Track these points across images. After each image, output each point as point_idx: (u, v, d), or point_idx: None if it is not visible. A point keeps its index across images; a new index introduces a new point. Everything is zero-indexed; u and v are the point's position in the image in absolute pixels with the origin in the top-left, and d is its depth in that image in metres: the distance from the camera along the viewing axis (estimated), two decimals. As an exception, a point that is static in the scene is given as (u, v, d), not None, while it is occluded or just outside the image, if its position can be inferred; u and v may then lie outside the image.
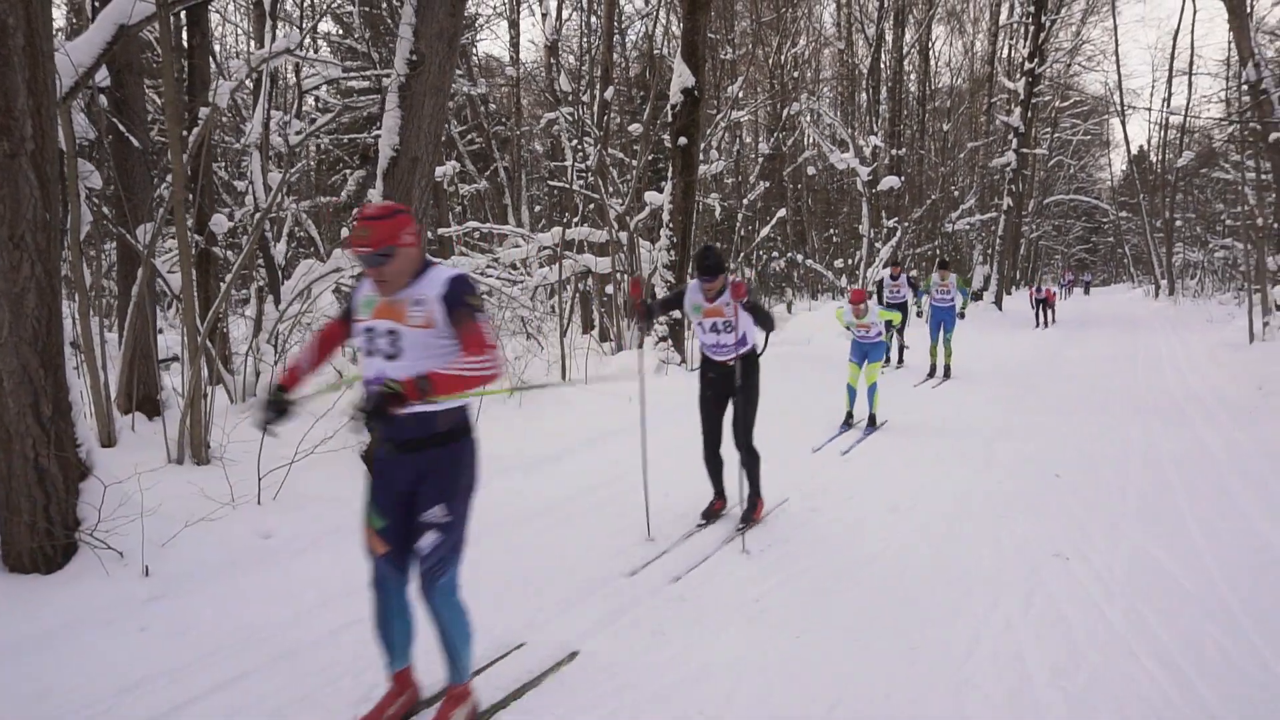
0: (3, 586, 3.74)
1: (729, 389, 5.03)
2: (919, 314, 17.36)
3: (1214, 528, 5.01)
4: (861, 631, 3.68)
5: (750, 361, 5.05)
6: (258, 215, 6.89)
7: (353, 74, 12.11)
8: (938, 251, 27.18)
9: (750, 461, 5.08)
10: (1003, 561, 4.51)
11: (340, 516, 4.95)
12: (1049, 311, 22.78)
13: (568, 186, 15.14)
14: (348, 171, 22.44)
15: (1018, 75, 27.13)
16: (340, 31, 20.99)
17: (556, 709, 3.06)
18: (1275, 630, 3.59)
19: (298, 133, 8.20)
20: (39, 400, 3.73)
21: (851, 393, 8.42)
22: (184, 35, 9.85)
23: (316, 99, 19.95)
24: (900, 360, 13.12)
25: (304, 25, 14.73)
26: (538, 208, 27.89)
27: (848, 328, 8.67)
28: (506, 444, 7.24)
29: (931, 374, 11.93)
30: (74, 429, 3.98)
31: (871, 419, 8.29)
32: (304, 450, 5.14)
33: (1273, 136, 12.80)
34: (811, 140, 24.93)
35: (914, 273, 27.43)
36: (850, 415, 8.34)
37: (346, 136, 20.85)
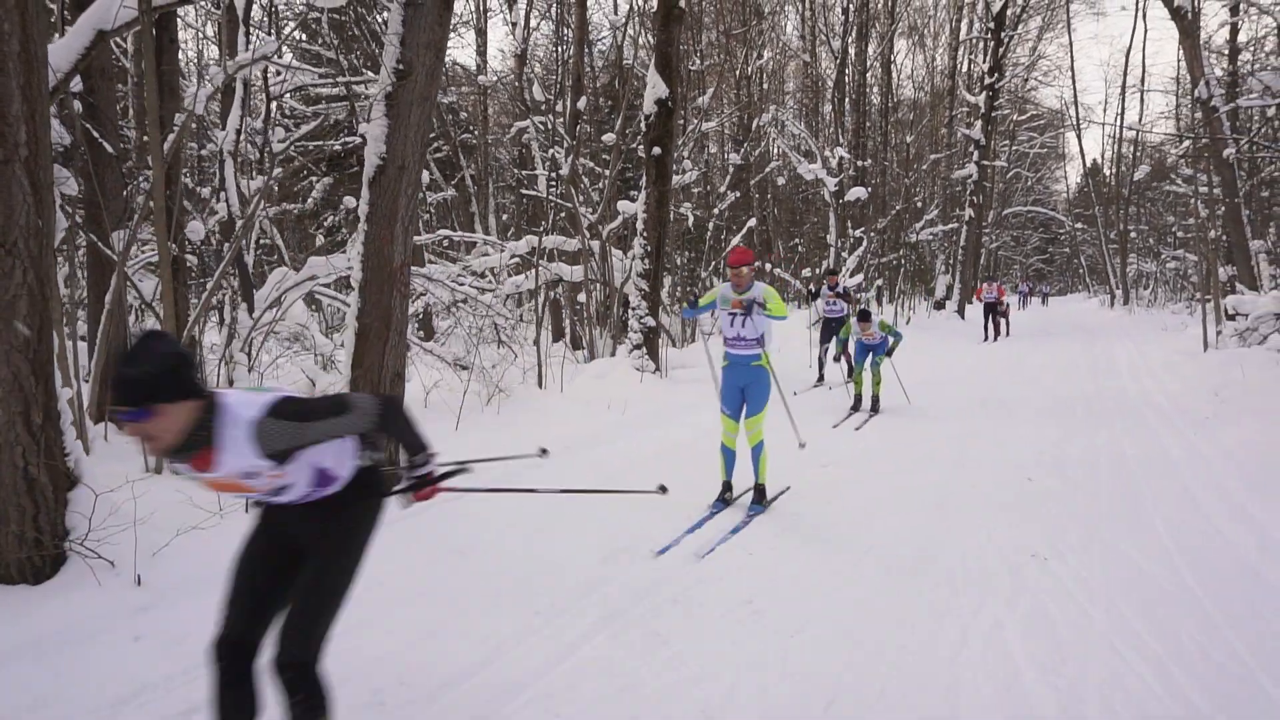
0: (-9, 597, 3.68)
1: (299, 539, 2.59)
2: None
3: (1181, 528, 5.19)
4: (852, 632, 3.76)
5: (350, 504, 2.58)
6: (240, 222, 6.84)
7: (327, 80, 12.03)
8: (901, 261, 27.64)
9: (304, 707, 2.39)
10: (985, 563, 4.63)
11: (329, 525, 4.94)
12: (1001, 321, 20.70)
13: (541, 195, 15.17)
14: (313, 178, 22.26)
15: (978, 89, 27.77)
16: (304, 37, 20.82)
17: (561, 710, 3.09)
18: (1245, 624, 3.74)
19: (281, 141, 8.15)
20: (29, 409, 3.69)
21: (728, 456, 5.87)
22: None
23: (281, 106, 19.77)
24: (849, 373, 10.95)
25: (272, 31, 14.61)
26: (505, 216, 27.87)
27: (710, 314, 6.10)
28: (484, 452, 7.25)
29: (855, 407, 9.82)
30: (62, 438, 3.93)
31: (759, 492, 5.76)
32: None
33: (1226, 153, 13.26)
34: (779, 151, 25.26)
35: (870, 280, 27.69)
36: (727, 488, 5.83)
37: (311, 143, 20.67)
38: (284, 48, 20.30)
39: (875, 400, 9.89)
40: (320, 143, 20.27)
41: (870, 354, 9.80)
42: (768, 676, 3.35)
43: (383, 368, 5.70)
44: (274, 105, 17.02)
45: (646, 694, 3.21)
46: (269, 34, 13.87)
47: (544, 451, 3.97)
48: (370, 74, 15.81)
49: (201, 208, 11.97)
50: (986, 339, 19.95)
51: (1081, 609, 3.98)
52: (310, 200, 21.30)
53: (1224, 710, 3.06)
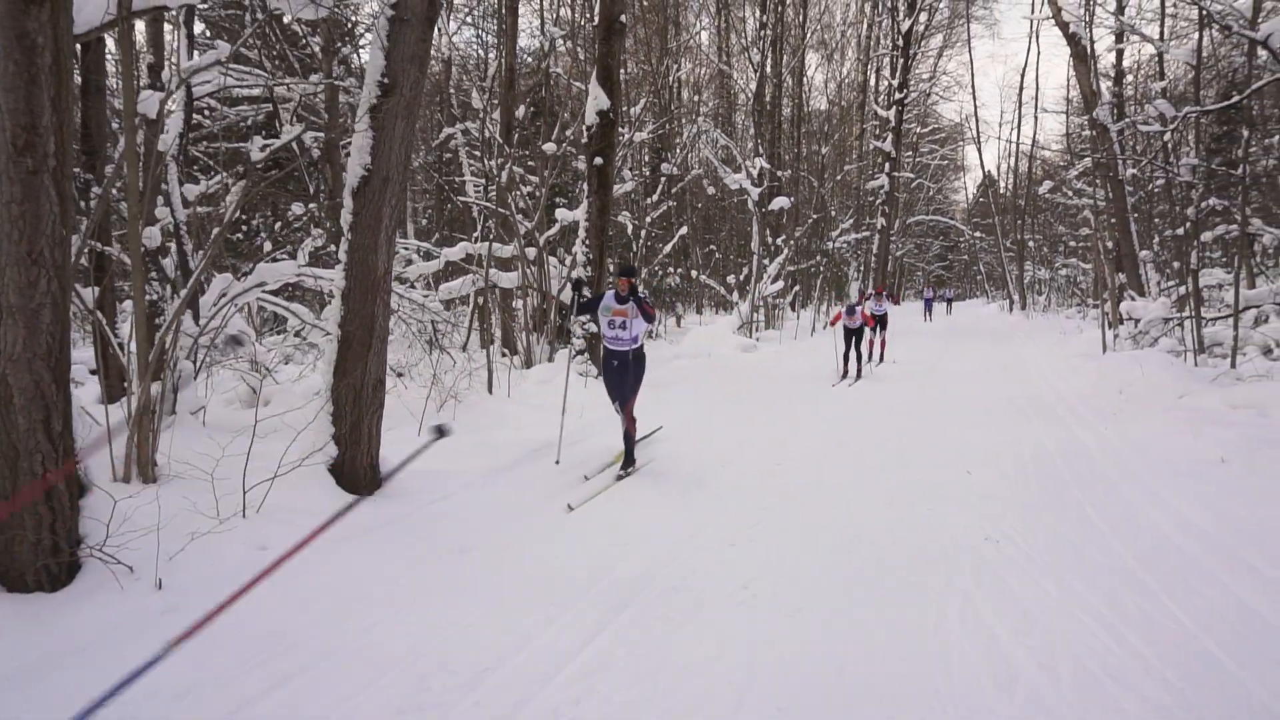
0: (10, 606, 3.69)
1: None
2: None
3: (1107, 511, 5.80)
4: (844, 610, 4.13)
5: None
6: (217, 229, 6.79)
7: (264, 84, 11.84)
8: (818, 268, 28.63)
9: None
10: (944, 547, 5.09)
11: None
12: (875, 342, 15.55)
13: (474, 202, 15.24)
14: (229, 181, 21.61)
15: (886, 104, 29.08)
16: (209, 33, 20.25)
17: (599, 687, 3.35)
18: (1175, 589, 4.29)
19: (261, 149, 8.06)
20: (50, 416, 3.71)
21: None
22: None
23: (197, 107, 19.17)
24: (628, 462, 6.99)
25: (189, 32, 14.18)
26: (424, 220, 27.60)
27: None
28: (456, 458, 7.40)
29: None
30: (75, 444, 3.96)
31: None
32: (287, 464, 5.18)
33: (1129, 173, 14.39)
34: (699, 160, 25.88)
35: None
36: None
37: (224, 145, 20.10)
38: (197, 50, 19.75)
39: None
40: (233, 145, 19.77)
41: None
42: (782, 649, 3.68)
43: (365, 374, 5.80)
44: (192, 107, 16.58)
45: (675, 670, 3.49)
46: (182, 32, 13.47)
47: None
48: (281, 75, 15.56)
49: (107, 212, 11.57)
50: (845, 377, 13.65)
51: (1036, 582, 4.46)
52: (227, 204, 20.69)
53: (1166, 657, 3.55)
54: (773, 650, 3.68)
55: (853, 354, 13.82)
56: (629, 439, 6.96)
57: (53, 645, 3.47)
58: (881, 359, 16.08)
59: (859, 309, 13.93)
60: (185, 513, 4.58)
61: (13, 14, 3.35)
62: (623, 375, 7.00)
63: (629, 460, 6.96)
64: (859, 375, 13.84)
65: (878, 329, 15.81)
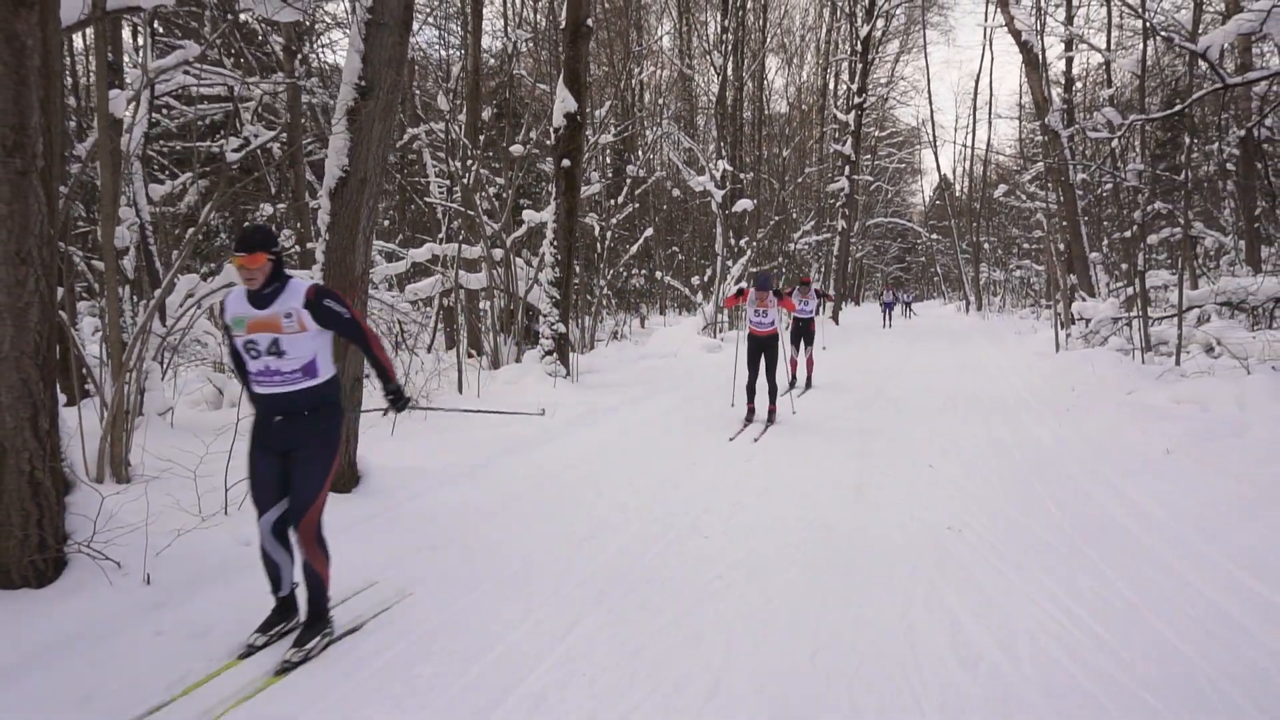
0: (-2, 602, 3.71)
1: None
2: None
3: (1062, 501, 6.07)
4: (815, 598, 4.32)
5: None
6: (192, 230, 6.79)
7: (251, 82, 11.72)
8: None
9: None
10: (909, 536, 5.31)
11: (308, 524, 5.10)
12: (792, 363, 11.76)
13: (440, 204, 15.25)
14: (188, 181, 21.27)
15: (846, 108, 29.57)
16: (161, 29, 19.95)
17: (583, 671, 3.48)
18: (1125, 571, 4.55)
19: (235, 150, 8.03)
20: (38, 414, 3.74)
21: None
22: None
23: (157, 106, 18.88)
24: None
25: (149, 31, 14.02)
26: (387, 221, 27.44)
27: None
28: (428, 457, 7.46)
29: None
30: (60, 442, 3.98)
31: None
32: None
33: (1079, 177, 14.87)
34: (663, 162, 26.10)
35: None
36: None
37: (180, 144, 19.82)
38: (153, 47, 19.45)
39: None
40: (189, 145, 19.51)
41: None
42: (756, 635, 3.84)
43: (344, 374, 5.85)
44: (153, 106, 16.34)
45: (654, 655, 3.64)
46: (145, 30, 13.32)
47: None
48: (242, 74, 15.43)
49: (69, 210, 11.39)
50: (750, 419, 9.23)
51: (997, 569, 4.69)
52: (185, 204, 20.41)
53: (1118, 635, 3.78)
54: (748, 635, 3.84)
55: (761, 382, 9.25)
56: (316, 582, 3.70)
57: (41, 640, 3.51)
58: (809, 384, 12.25)
59: (772, 296, 9.15)
60: (169, 510, 4.62)
61: (3, 16, 3.39)
62: (283, 459, 3.68)
63: (316, 624, 3.68)
64: (770, 417, 9.29)
65: (801, 344, 12.04)
